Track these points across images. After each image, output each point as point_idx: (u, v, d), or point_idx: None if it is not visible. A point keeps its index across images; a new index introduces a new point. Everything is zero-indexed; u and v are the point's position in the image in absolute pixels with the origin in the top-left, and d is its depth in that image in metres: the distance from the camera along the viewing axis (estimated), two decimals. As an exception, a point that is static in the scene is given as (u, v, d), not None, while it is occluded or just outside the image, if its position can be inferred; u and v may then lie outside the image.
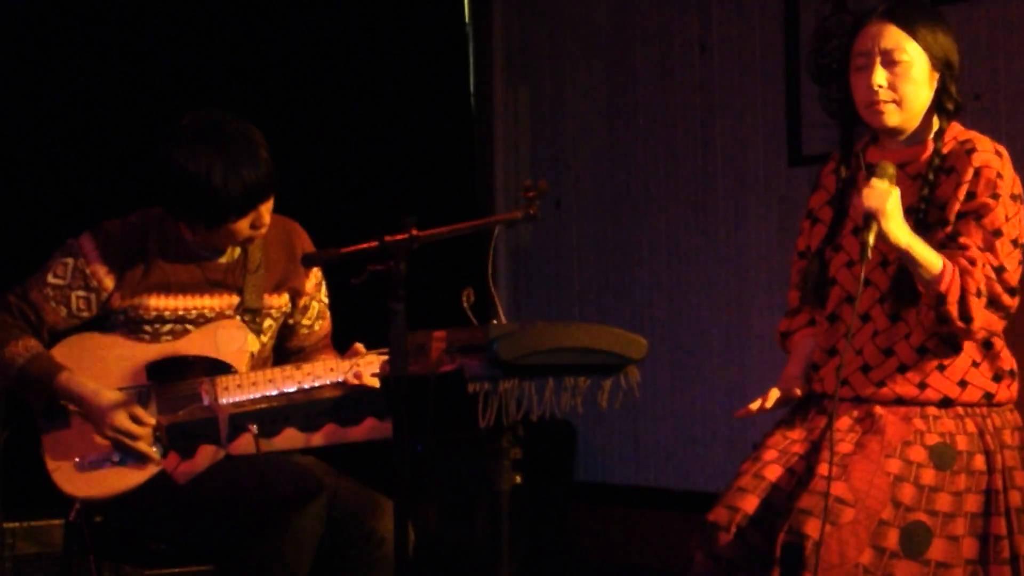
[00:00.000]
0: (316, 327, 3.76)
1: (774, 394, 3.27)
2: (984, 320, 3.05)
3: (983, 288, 3.04)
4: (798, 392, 3.28)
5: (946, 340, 3.14)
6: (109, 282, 3.51)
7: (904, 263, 3.10)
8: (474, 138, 6.31)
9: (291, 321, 3.71)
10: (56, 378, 3.45)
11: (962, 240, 3.10)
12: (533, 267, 6.25)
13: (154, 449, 3.45)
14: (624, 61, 5.92)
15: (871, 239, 3.02)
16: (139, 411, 3.45)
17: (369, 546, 3.49)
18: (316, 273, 3.72)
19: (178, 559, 3.74)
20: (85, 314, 3.54)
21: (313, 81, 5.74)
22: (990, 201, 3.12)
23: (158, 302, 3.53)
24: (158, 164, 3.45)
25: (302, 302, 3.71)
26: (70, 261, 3.52)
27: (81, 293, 3.52)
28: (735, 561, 3.07)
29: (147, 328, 3.53)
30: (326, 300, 3.78)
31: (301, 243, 3.68)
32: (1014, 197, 3.15)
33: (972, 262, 3.06)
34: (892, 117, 3.18)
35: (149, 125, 4.31)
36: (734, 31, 5.55)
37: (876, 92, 3.16)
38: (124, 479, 3.46)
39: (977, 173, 3.14)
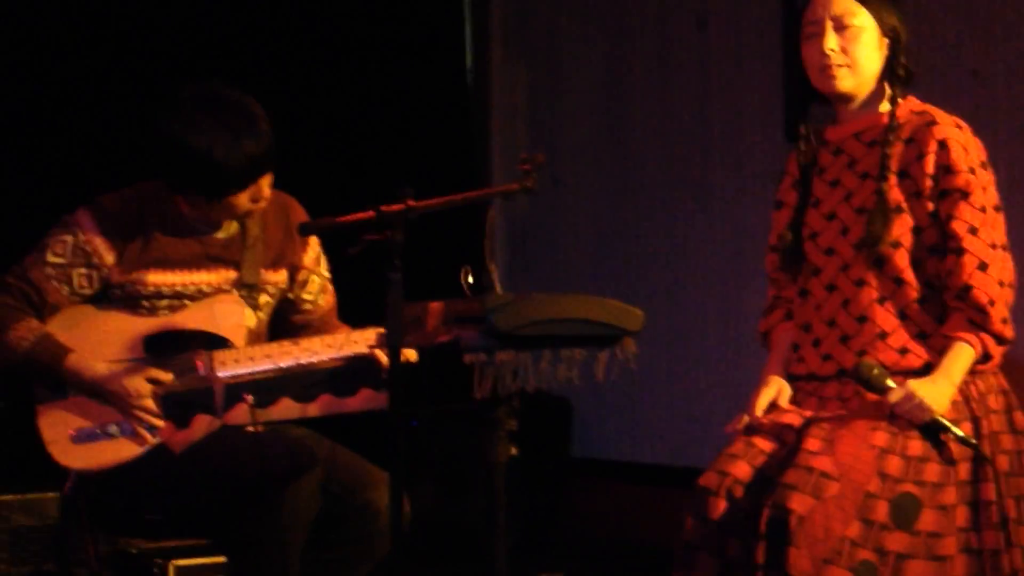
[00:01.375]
0: (320, 301, 3.73)
1: (760, 404, 3.27)
2: (1003, 301, 3.13)
3: (995, 298, 3.11)
4: (783, 404, 3.27)
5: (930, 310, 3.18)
6: (110, 258, 3.49)
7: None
8: (471, 115, 6.31)
9: (291, 296, 3.70)
10: (64, 361, 3.43)
11: (954, 225, 3.13)
12: (530, 245, 6.25)
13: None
14: (622, 37, 5.91)
15: (956, 430, 3.08)
16: (154, 372, 3.44)
17: (365, 518, 3.49)
18: (314, 247, 3.71)
19: (174, 531, 3.75)
20: (87, 291, 3.51)
21: (313, 54, 5.74)
22: (971, 178, 3.15)
23: (156, 277, 3.51)
24: (157, 136, 3.43)
25: (300, 276, 3.69)
26: (69, 238, 3.49)
27: (83, 271, 3.49)
28: (725, 525, 3.07)
29: (144, 303, 3.52)
30: (327, 275, 3.75)
31: (298, 218, 3.65)
32: (983, 165, 3.19)
33: (982, 311, 3.11)
34: (845, 81, 3.20)
35: (143, 97, 4.32)
36: (732, 7, 5.54)
37: (828, 56, 3.19)
38: (120, 451, 3.45)
39: (943, 145, 3.16)
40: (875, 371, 3.10)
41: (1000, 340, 3.13)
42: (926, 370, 3.16)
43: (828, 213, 3.25)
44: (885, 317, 3.17)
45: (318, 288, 3.73)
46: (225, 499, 3.42)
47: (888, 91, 3.26)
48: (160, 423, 3.43)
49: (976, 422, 3.14)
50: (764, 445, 3.16)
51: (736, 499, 3.08)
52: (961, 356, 3.12)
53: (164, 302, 3.53)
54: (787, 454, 3.13)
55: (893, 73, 3.24)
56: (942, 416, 3.08)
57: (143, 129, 3.50)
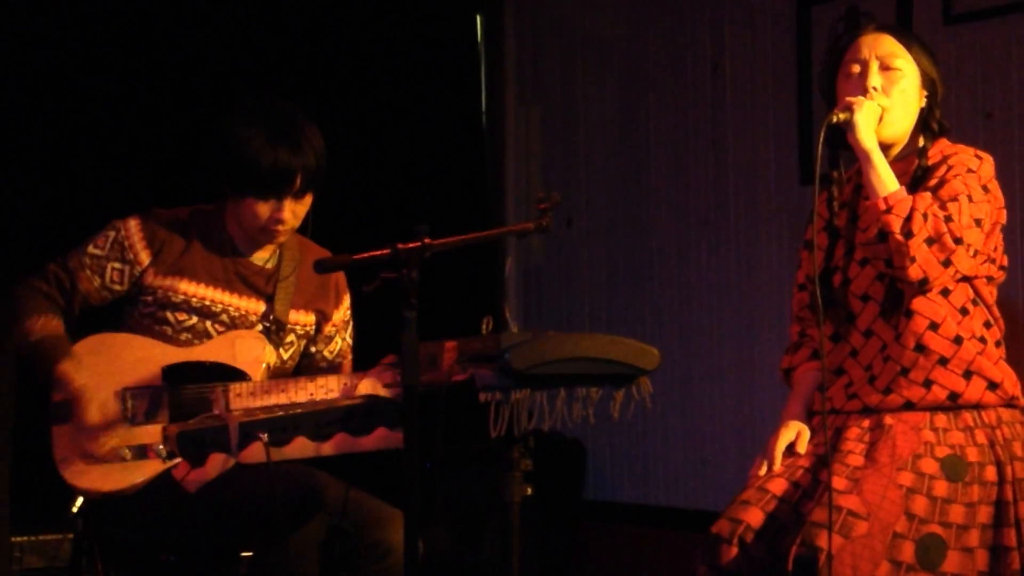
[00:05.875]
0: (336, 362, 3.80)
1: (779, 450, 3.25)
2: (922, 253, 3.04)
3: (930, 215, 3.05)
4: (800, 449, 3.26)
5: (897, 299, 3.14)
6: (145, 257, 3.59)
7: (863, 171, 3.13)
8: (486, 156, 6.32)
9: (312, 349, 3.74)
10: (60, 361, 3.47)
11: (941, 191, 3.12)
12: (544, 285, 6.25)
13: (162, 446, 3.45)
14: (636, 79, 5.92)
15: (842, 116, 3.11)
16: (120, 432, 3.46)
17: (374, 557, 3.51)
18: (345, 310, 3.79)
19: (186, 571, 3.73)
20: (117, 287, 3.60)
21: (332, 95, 5.77)
22: (948, 176, 3.14)
23: (188, 287, 3.58)
24: (212, 128, 3.58)
25: (327, 329, 3.75)
26: (112, 234, 3.61)
27: (117, 265, 3.59)
28: (738, 574, 3.06)
29: (170, 317, 3.57)
30: (351, 341, 3.83)
31: (335, 276, 3.75)
32: (985, 189, 3.17)
33: (923, 193, 3.10)
34: (882, 128, 3.19)
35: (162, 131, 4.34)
36: (746, 49, 5.55)
37: (871, 93, 3.18)
38: (128, 475, 3.47)
39: (949, 168, 3.17)
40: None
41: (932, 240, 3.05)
42: (952, 399, 3.15)
43: (862, 259, 3.23)
44: (906, 354, 3.15)
45: (339, 351, 3.80)
46: (237, 538, 3.41)
47: (921, 142, 3.25)
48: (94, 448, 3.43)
49: (1000, 466, 3.12)
50: (777, 489, 3.14)
51: (748, 546, 3.07)
52: (890, 171, 3.10)
53: (191, 321, 3.57)
54: (800, 496, 3.12)
55: (927, 126, 3.24)
56: (851, 115, 3.11)
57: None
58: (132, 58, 5.35)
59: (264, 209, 3.54)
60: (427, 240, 2.88)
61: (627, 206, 5.95)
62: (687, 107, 5.74)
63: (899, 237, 3.03)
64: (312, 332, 3.73)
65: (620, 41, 5.99)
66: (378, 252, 2.90)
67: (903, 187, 3.10)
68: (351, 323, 3.83)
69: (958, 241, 3.05)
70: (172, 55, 5.42)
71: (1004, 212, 3.23)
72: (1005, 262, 3.26)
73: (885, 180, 3.09)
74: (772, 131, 5.45)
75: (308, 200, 3.59)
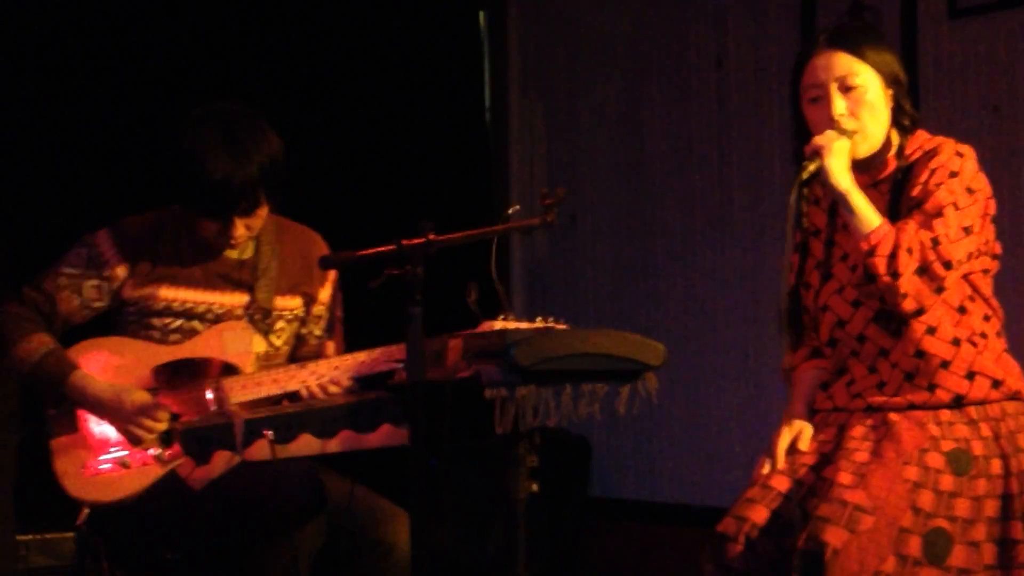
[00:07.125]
0: (325, 338, 3.75)
1: (781, 448, 3.24)
2: (913, 286, 3.02)
3: (915, 247, 3.02)
4: (802, 446, 3.25)
5: (897, 327, 3.13)
6: (121, 271, 3.55)
7: (842, 210, 3.10)
8: (489, 153, 6.32)
9: (304, 331, 3.71)
10: (69, 377, 3.45)
11: (900, 224, 3.09)
12: (548, 282, 6.24)
13: (159, 451, 3.45)
14: (640, 75, 5.92)
15: (812, 167, 3.07)
16: (160, 411, 3.45)
17: (377, 554, 3.50)
18: (331, 285, 3.74)
19: (191, 569, 3.73)
20: (98, 304, 3.57)
21: (336, 92, 5.77)
22: (931, 185, 3.10)
23: (168, 293, 3.55)
24: (166, 138, 3.51)
25: (316, 310, 3.71)
26: (84, 251, 3.56)
27: (94, 282, 3.55)
28: (745, 572, 3.06)
29: (155, 323, 3.55)
30: (340, 315, 3.78)
31: (319, 253, 3.67)
32: (969, 191, 3.11)
33: (906, 224, 3.06)
34: (859, 148, 3.16)
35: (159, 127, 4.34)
36: (751, 44, 5.54)
37: (838, 121, 3.14)
38: (131, 483, 3.46)
39: (932, 173, 3.12)
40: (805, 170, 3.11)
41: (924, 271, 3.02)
42: (955, 402, 3.14)
43: (853, 265, 3.22)
44: (907, 360, 3.15)
45: (326, 325, 3.76)
46: (242, 536, 3.41)
47: (897, 140, 3.22)
48: (150, 437, 3.42)
49: (1005, 459, 3.10)
50: (780, 485, 3.14)
51: (754, 544, 3.06)
52: (868, 206, 3.06)
53: (176, 323, 3.55)
54: (806, 493, 3.12)
55: (898, 123, 3.21)
56: (821, 159, 3.06)
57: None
58: (122, 57, 5.34)
59: (214, 226, 3.51)
60: (431, 236, 2.89)
61: (631, 202, 5.94)
62: (691, 102, 5.73)
63: (886, 279, 3.02)
64: (302, 315, 3.70)
65: (623, 36, 5.98)
66: (383, 248, 2.91)
67: (885, 221, 3.07)
68: (339, 295, 3.77)
69: (948, 265, 3.03)
70: (167, 47, 5.41)
71: (993, 202, 3.19)
72: (998, 250, 3.25)
73: (865, 218, 3.06)
74: (777, 126, 5.44)
75: (262, 211, 3.53)
